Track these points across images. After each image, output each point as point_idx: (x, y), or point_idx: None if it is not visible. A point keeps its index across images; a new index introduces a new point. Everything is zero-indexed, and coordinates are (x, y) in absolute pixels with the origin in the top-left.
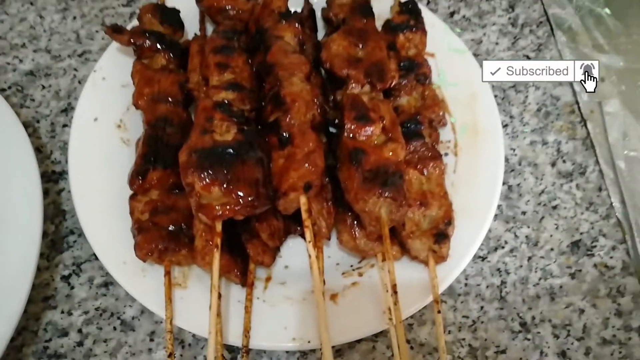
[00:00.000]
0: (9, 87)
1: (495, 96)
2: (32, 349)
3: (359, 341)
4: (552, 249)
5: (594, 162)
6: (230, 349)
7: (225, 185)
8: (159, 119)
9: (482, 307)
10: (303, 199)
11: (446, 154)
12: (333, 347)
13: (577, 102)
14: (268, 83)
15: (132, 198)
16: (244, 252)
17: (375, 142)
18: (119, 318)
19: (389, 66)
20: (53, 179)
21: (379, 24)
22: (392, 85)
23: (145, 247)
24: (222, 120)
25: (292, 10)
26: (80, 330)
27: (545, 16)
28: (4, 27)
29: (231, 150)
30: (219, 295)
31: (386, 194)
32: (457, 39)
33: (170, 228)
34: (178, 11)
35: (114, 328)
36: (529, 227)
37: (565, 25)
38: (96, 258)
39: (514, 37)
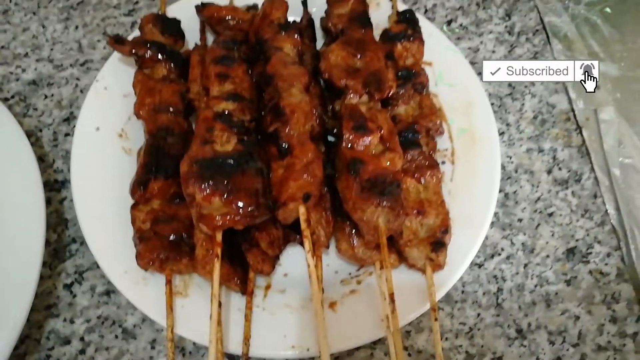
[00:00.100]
0: (12, 97)
1: (492, 104)
2: (34, 357)
3: (357, 348)
4: (547, 256)
5: (590, 170)
6: (231, 357)
7: (225, 196)
8: (160, 128)
9: (478, 314)
10: (302, 209)
11: (443, 162)
12: (332, 354)
13: (572, 110)
14: (267, 94)
15: (134, 207)
16: (244, 260)
17: (373, 152)
18: (120, 326)
19: (386, 76)
20: (55, 188)
21: (377, 33)
22: (389, 95)
23: (147, 257)
24: (222, 131)
25: (292, 19)
26: (82, 339)
27: (541, 24)
28: (7, 36)
29: (231, 161)
30: (220, 304)
31: (384, 204)
32: (454, 48)
33: (171, 237)
34: (179, 21)
35: (116, 336)
36: (525, 234)
37: (561, 33)
38: (98, 266)
39: (510, 45)
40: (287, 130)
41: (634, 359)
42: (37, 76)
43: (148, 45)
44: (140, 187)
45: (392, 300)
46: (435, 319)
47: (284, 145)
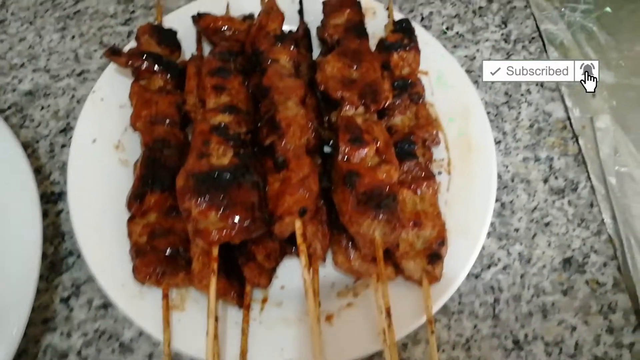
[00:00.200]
0: (9, 108)
1: (488, 112)
2: None
3: None
4: (544, 266)
5: (586, 178)
6: None
7: (221, 210)
8: (157, 140)
9: (475, 325)
10: (298, 224)
11: (440, 173)
12: None
13: (568, 118)
14: (264, 106)
15: (130, 220)
16: (240, 273)
17: (369, 164)
18: (117, 340)
19: (382, 87)
20: (52, 200)
21: (373, 42)
22: (386, 106)
23: (144, 271)
24: (218, 144)
25: (288, 28)
26: (79, 353)
27: (537, 32)
28: (4, 47)
29: (228, 175)
30: (216, 319)
31: (380, 217)
32: (450, 56)
33: (168, 251)
34: (175, 32)
35: (113, 350)
36: (521, 244)
37: (557, 41)
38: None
39: (507, 53)
40: (283, 143)
41: None
42: (33, 87)
43: (144, 57)
44: (136, 200)
45: (389, 315)
46: (432, 332)
47: (279, 159)
